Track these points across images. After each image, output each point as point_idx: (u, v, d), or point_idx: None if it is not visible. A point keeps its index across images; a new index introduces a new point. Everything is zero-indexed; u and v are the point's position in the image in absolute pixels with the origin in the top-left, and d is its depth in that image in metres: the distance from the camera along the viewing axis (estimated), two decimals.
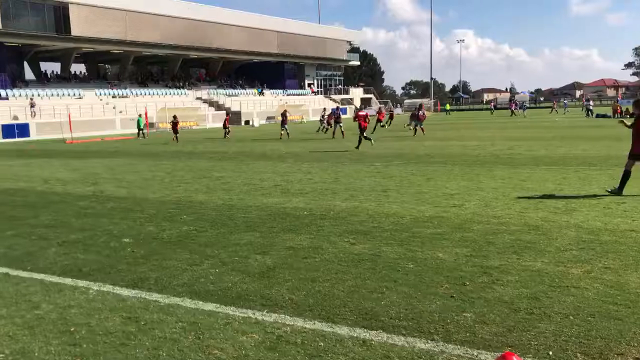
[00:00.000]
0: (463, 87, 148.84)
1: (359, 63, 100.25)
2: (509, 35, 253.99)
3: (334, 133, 29.65)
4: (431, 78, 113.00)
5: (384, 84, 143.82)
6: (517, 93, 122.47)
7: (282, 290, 5.24)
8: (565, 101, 72.91)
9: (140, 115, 38.63)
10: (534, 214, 8.34)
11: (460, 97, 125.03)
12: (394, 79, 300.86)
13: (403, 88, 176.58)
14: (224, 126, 34.35)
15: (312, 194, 11.03)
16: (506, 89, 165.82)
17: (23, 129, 42.62)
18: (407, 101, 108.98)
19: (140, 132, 37.30)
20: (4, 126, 41.64)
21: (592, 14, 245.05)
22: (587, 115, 48.46)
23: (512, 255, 6.13)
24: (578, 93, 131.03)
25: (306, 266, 6.00)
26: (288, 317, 4.57)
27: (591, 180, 11.58)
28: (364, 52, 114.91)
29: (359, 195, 10.77)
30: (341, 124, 29.62)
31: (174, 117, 34.40)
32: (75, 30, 50.13)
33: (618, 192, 9.68)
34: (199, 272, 5.94)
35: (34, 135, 43.08)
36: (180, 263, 6.34)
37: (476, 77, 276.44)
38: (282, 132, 30.58)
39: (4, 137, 41.21)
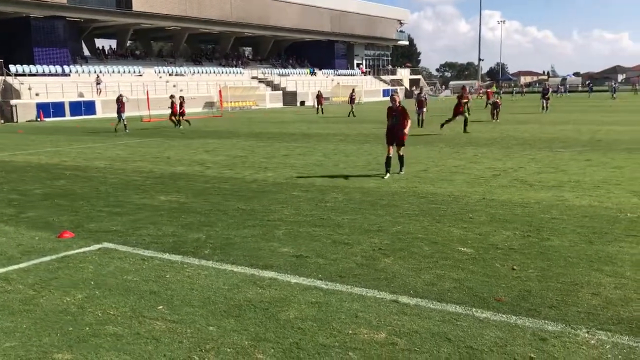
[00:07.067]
0: (501, 69, 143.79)
1: (407, 43, 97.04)
2: (536, 17, 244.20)
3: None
4: (479, 59, 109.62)
5: (420, 65, 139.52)
6: (566, 77, 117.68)
7: None
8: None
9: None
10: None
11: (508, 79, 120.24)
12: (423, 61, 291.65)
13: (437, 70, 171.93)
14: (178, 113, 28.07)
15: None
16: (544, 72, 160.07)
17: (89, 107, 41.21)
18: (451, 83, 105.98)
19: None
20: (70, 103, 40.25)
21: None
22: None
23: None
24: (620, 77, 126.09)
25: None
26: None
27: None
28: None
29: None
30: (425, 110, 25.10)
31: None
32: (137, 6, 48.40)
33: None
34: None
35: (99, 113, 41.67)
36: None
37: (505, 60, 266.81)
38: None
39: (71, 114, 39.87)
